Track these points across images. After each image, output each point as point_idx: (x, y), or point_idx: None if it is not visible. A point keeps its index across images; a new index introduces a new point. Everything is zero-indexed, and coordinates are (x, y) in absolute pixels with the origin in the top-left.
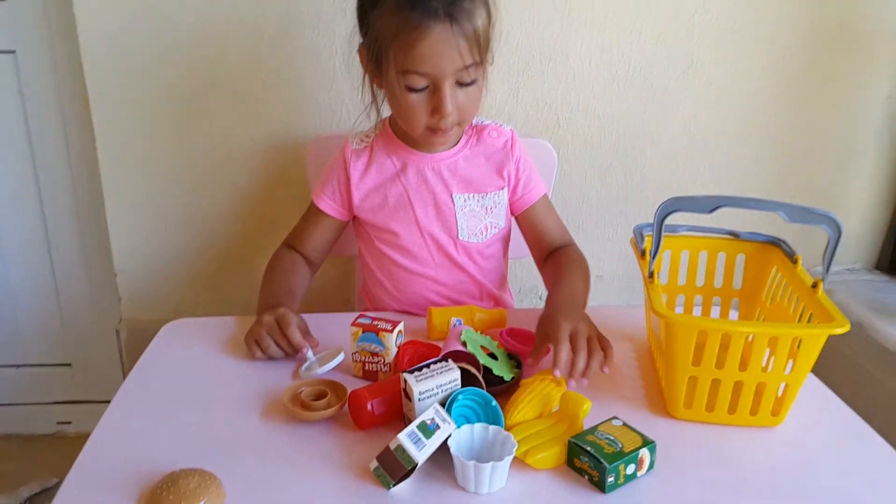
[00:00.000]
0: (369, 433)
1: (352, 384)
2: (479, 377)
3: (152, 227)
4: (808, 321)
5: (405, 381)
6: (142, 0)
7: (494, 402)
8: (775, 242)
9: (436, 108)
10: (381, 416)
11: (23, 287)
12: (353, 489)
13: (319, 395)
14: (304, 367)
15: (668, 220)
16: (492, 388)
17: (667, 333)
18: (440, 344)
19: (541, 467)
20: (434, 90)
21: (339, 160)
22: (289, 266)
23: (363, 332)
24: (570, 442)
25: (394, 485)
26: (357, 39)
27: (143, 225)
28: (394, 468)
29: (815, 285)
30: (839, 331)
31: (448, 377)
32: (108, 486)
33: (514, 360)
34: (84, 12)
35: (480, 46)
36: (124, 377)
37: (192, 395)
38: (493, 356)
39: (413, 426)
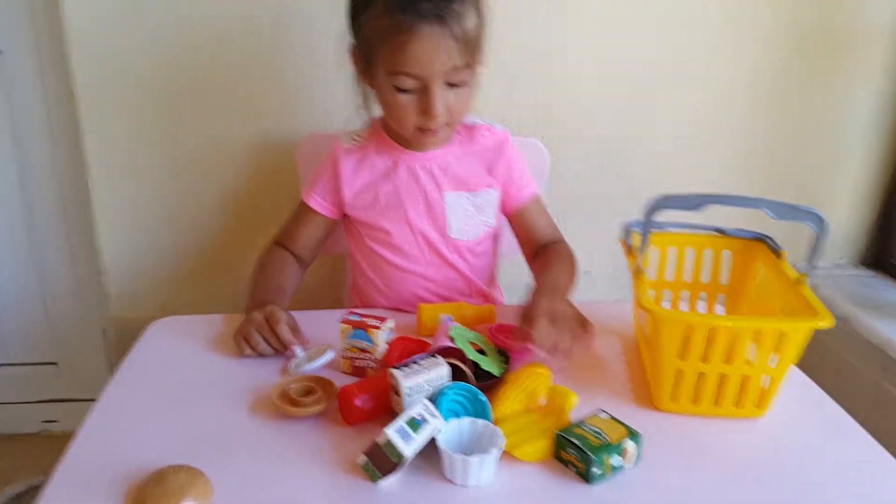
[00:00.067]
0: (358, 429)
1: (341, 381)
2: (468, 373)
3: (140, 225)
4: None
5: (393, 376)
6: None
7: (482, 397)
8: (762, 239)
9: (425, 109)
10: (369, 411)
11: (8, 285)
12: (341, 484)
13: (308, 392)
14: (293, 364)
15: (657, 218)
16: (481, 383)
17: (654, 328)
18: (430, 340)
19: (528, 460)
20: (423, 91)
21: (330, 158)
22: (279, 264)
23: (353, 329)
24: (557, 434)
25: (382, 479)
26: (348, 40)
27: (131, 223)
28: (382, 462)
29: (800, 281)
30: (822, 325)
31: (436, 372)
32: (94, 484)
33: (504, 355)
34: (71, 11)
35: (470, 48)
36: (111, 376)
37: (179, 392)
38: (482, 352)
39: (401, 421)
